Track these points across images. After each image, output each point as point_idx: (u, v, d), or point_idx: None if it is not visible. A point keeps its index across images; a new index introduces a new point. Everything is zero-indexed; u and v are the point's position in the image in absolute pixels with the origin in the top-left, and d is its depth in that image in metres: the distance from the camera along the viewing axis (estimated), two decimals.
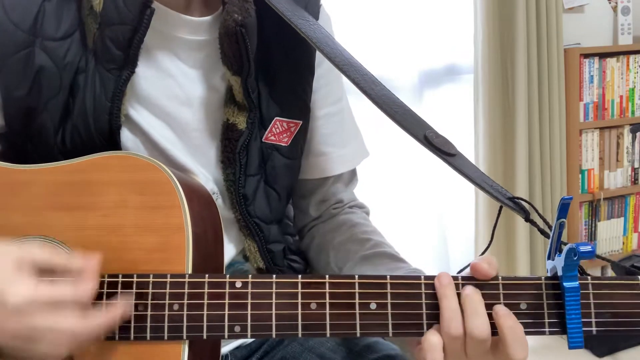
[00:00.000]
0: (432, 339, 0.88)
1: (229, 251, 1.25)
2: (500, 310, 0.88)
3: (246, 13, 1.09)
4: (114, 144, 1.09)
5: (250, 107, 1.17)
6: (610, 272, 3.71)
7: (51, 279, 0.89)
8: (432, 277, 0.91)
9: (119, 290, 0.94)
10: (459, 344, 0.88)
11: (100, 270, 0.93)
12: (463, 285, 0.90)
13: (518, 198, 1.01)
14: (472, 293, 0.89)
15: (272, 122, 1.22)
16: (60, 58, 1.06)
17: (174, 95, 1.15)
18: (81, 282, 0.90)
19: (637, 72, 3.72)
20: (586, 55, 3.59)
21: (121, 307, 0.92)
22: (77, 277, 0.90)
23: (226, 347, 1.28)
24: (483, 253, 0.98)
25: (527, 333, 0.89)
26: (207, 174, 1.20)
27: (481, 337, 0.86)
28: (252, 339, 1.32)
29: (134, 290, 0.94)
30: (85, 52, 1.08)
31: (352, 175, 1.44)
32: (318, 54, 1.24)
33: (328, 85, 1.32)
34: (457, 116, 3.39)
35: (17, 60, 1.05)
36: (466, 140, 3.36)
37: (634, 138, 3.75)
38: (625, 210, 3.82)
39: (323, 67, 1.29)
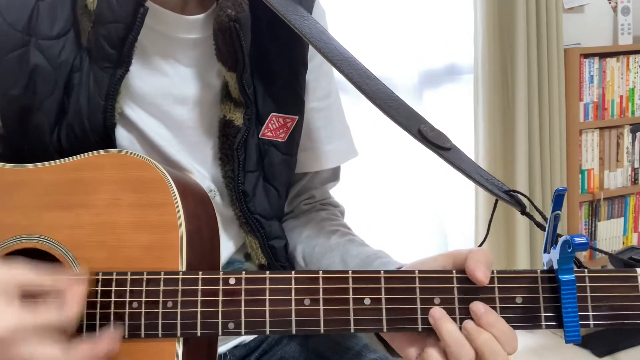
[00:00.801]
0: (433, 355, 0.88)
1: (229, 248, 1.25)
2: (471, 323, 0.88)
3: (240, 8, 1.08)
4: (109, 142, 1.09)
5: (246, 103, 1.17)
6: (609, 267, 3.72)
7: (35, 301, 0.87)
8: (426, 272, 0.91)
9: (113, 288, 0.94)
10: None
11: (95, 268, 0.94)
12: (458, 278, 0.90)
13: (514, 191, 1.00)
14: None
15: (269, 118, 1.21)
16: (55, 57, 1.06)
17: (169, 94, 1.14)
18: (65, 306, 0.88)
19: (637, 72, 3.72)
20: (586, 55, 3.59)
21: (107, 342, 0.90)
22: (61, 300, 0.88)
23: (224, 346, 1.27)
24: (480, 246, 0.98)
25: (523, 327, 0.89)
26: (204, 172, 1.20)
27: None
28: (251, 338, 1.32)
29: (128, 288, 0.93)
30: (80, 51, 1.08)
31: (333, 174, 1.43)
32: (311, 48, 1.24)
33: (317, 80, 1.31)
34: (457, 116, 3.40)
35: (11, 60, 1.05)
36: (466, 140, 3.36)
37: (634, 138, 3.75)
38: (625, 210, 3.82)
39: (314, 61, 1.28)
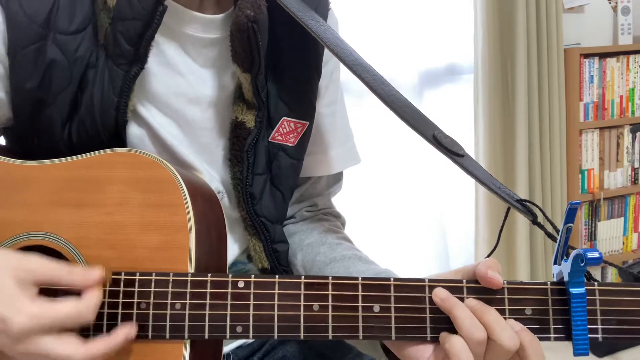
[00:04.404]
0: (458, 342, 0.87)
1: (233, 250, 1.25)
2: (516, 326, 0.88)
3: (258, 9, 1.09)
4: (120, 139, 1.09)
5: (259, 105, 1.17)
6: (610, 272, 3.72)
7: (52, 299, 0.87)
8: (436, 281, 0.91)
9: (121, 289, 0.94)
10: (482, 349, 0.87)
11: (104, 270, 0.93)
12: (468, 288, 0.90)
13: (526, 200, 1.00)
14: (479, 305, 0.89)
15: (280, 122, 1.22)
16: (72, 52, 1.05)
17: (183, 93, 1.15)
18: (84, 298, 0.88)
19: (637, 72, 3.72)
20: (586, 55, 3.60)
21: (124, 332, 0.91)
22: (81, 290, 0.89)
23: (228, 347, 1.28)
24: (489, 256, 0.98)
25: None
26: (213, 173, 1.20)
27: (511, 347, 0.86)
28: (253, 339, 1.33)
29: (136, 289, 0.94)
30: (97, 47, 1.08)
31: (335, 180, 1.45)
32: (324, 55, 1.26)
33: (327, 86, 1.32)
34: (457, 116, 3.40)
35: (29, 53, 1.04)
36: (466, 140, 3.35)
37: (634, 138, 3.76)
38: (625, 210, 3.83)
39: (326, 68, 1.29)
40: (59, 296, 0.89)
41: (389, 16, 3.15)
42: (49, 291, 0.90)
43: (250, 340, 1.32)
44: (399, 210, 3.31)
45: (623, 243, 3.86)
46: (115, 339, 0.89)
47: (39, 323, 0.83)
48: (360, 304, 0.91)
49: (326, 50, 1.23)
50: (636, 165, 3.80)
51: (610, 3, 3.78)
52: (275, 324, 0.91)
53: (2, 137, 1.20)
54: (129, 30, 1.05)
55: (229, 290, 0.93)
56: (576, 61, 3.55)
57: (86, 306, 0.88)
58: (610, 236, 3.82)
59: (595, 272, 3.75)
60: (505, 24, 3.33)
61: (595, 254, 0.82)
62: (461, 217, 3.51)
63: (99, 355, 0.87)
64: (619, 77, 3.69)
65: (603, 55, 3.65)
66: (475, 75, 3.35)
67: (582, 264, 0.84)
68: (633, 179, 3.82)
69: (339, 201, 1.50)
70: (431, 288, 0.90)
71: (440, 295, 0.89)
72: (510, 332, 0.86)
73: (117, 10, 1.05)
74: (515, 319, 0.89)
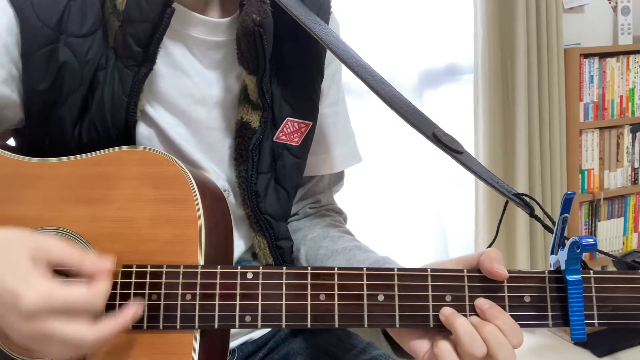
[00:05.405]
0: (444, 345, 0.91)
1: (239, 247, 1.27)
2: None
3: (264, 14, 1.12)
4: (129, 138, 1.12)
5: (264, 106, 1.20)
6: (610, 270, 3.72)
7: (65, 281, 0.88)
8: (438, 270, 0.94)
9: (133, 280, 0.96)
10: None
11: (115, 262, 0.94)
12: (469, 277, 0.93)
13: (523, 194, 1.03)
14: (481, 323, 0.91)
15: (284, 122, 1.24)
16: (83, 54, 1.08)
17: (190, 94, 1.17)
18: (94, 285, 0.88)
19: (637, 72, 3.72)
20: (586, 55, 3.59)
21: (132, 310, 0.91)
22: (90, 278, 0.89)
23: (233, 342, 1.30)
24: (489, 246, 1.01)
25: (531, 325, 0.92)
26: (219, 172, 1.23)
27: None
28: (259, 335, 1.35)
29: (147, 281, 0.96)
30: (106, 50, 1.10)
31: (337, 178, 1.48)
32: (326, 57, 1.29)
33: (329, 87, 1.35)
34: (457, 116, 3.40)
35: (41, 55, 1.07)
36: (466, 140, 3.34)
37: (634, 138, 3.76)
38: (625, 210, 3.82)
39: (328, 70, 1.32)
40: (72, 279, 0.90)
41: (389, 16, 3.15)
42: (62, 274, 0.92)
43: (255, 337, 1.35)
44: (400, 209, 3.31)
45: (623, 243, 3.86)
46: (124, 318, 0.90)
47: (50, 302, 0.83)
48: (365, 292, 0.94)
49: (328, 53, 1.26)
50: (636, 165, 3.80)
51: (610, 3, 3.78)
52: (283, 314, 0.94)
53: (12, 137, 1.23)
54: (138, 32, 1.07)
55: (238, 281, 0.95)
56: (576, 61, 3.55)
57: (95, 294, 0.87)
58: (610, 236, 3.82)
59: (595, 269, 3.74)
60: (505, 24, 3.33)
61: (590, 241, 0.84)
62: (461, 217, 3.51)
63: (109, 336, 0.88)
64: (619, 77, 3.69)
65: (603, 55, 3.65)
66: (475, 75, 3.36)
67: (578, 251, 0.87)
68: (633, 179, 3.82)
69: (341, 200, 1.52)
70: (433, 277, 0.93)
71: (445, 312, 0.93)
72: (508, 349, 0.89)
73: (126, 13, 1.07)
74: (515, 306, 0.92)
